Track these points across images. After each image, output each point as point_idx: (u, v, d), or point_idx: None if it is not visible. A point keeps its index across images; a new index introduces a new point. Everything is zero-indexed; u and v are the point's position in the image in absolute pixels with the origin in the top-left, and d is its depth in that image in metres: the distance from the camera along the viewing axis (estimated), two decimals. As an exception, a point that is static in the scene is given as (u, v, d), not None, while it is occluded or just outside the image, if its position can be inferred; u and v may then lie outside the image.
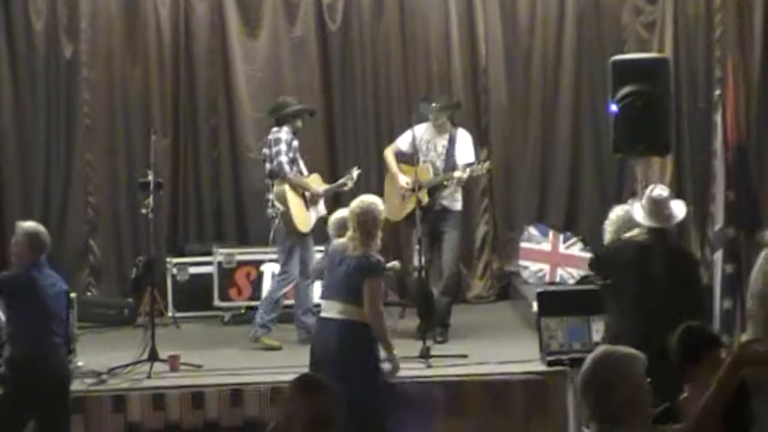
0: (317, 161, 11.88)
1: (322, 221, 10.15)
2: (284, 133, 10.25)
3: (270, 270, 11.24)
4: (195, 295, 11.57)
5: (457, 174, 10.11)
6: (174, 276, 11.62)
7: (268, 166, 10.28)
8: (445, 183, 10.18)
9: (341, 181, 10.52)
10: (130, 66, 12.35)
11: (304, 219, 10.24)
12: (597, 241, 8.84)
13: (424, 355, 9.19)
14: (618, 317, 7.70)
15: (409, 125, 10.40)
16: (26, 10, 12.20)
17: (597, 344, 8.35)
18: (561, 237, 11.89)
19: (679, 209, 7.83)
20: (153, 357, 9.27)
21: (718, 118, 10.26)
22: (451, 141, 10.34)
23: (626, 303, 7.59)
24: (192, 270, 11.64)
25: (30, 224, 8.06)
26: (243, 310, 11.35)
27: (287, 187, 10.18)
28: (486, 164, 10.44)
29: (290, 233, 10.18)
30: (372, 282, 7.60)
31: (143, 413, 8.78)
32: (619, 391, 4.30)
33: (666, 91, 9.98)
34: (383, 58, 12.52)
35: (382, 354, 7.74)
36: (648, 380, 4.41)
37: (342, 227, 8.16)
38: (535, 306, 9.34)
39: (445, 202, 10.28)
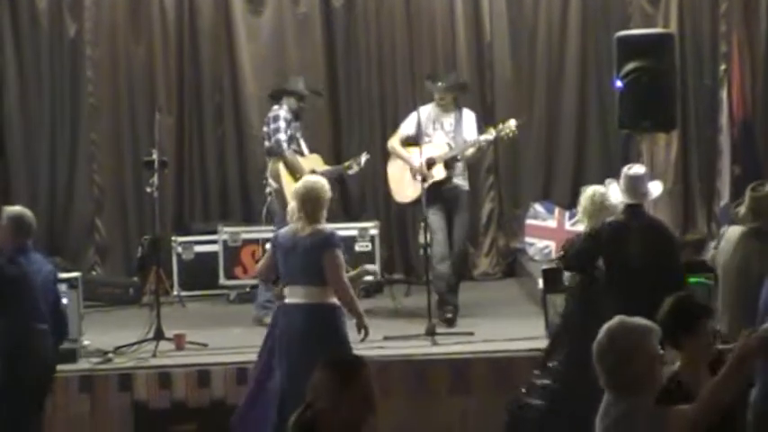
0: (322, 138, 11.88)
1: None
2: (283, 111, 10.21)
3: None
4: (201, 274, 11.57)
5: (484, 136, 9.99)
6: (179, 255, 11.63)
7: (267, 143, 10.26)
8: (459, 156, 10.04)
9: (345, 164, 10.46)
10: (134, 43, 12.32)
11: None
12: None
13: (430, 332, 9.18)
14: (593, 297, 7.73)
15: (414, 103, 10.35)
16: (30, -12, 12.19)
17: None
18: (567, 214, 11.86)
19: (655, 187, 7.95)
20: (159, 336, 9.28)
21: (724, 93, 10.27)
22: (458, 120, 10.26)
23: (605, 281, 7.66)
24: (198, 249, 11.64)
25: (15, 208, 7.79)
26: (248, 289, 11.33)
27: (281, 165, 10.13)
28: (513, 122, 10.09)
29: (283, 211, 10.14)
30: (331, 254, 7.44)
31: (149, 392, 8.79)
32: (634, 361, 4.40)
33: (672, 67, 9.94)
34: (388, 35, 12.48)
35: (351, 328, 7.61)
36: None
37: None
38: (541, 283, 9.34)
39: (458, 181, 10.12)
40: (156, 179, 9.75)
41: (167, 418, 8.75)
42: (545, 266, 9.81)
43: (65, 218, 12.29)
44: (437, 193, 9.85)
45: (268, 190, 10.24)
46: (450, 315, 9.85)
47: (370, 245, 11.32)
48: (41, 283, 7.55)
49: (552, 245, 11.79)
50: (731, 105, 10.09)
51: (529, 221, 12.01)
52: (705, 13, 12.05)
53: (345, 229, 11.37)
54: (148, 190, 9.86)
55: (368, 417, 4.18)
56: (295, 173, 10.06)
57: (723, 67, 10.95)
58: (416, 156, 9.87)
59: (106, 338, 9.41)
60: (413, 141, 10.05)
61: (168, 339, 9.29)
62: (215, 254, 11.51)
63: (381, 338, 8.89)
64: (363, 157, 10.43)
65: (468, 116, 10.32)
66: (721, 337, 6.86)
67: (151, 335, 9.28)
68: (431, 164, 9.86)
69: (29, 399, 7.48)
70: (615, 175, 11.10)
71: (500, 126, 10.08)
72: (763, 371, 6.19)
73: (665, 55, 9.87)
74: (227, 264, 11.44)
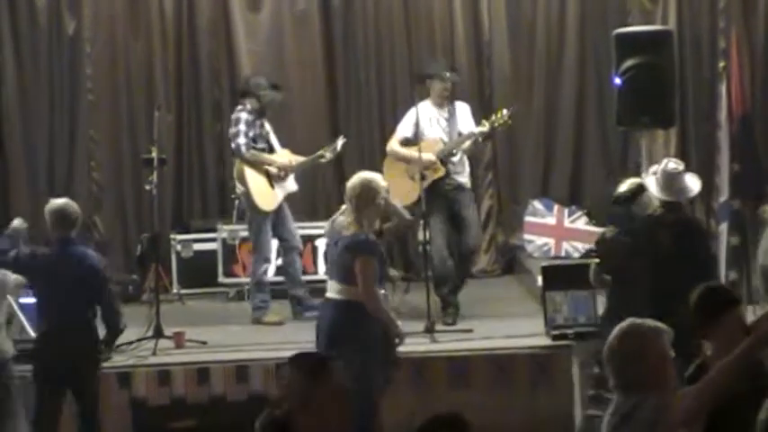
0: (320, 135, 11.87)
1: (296, 197, 10.24)
2: (244, 113, 10.21)
3: (273, 247, 11.26)
4: (200, 271, 11.56)
5: (479, 128, 9.97)
6: (178, 253, 11.62)
7: (232, 145, 10.30)
8: (454, 151, 10.03)
9: (318, 153, 10.37)
10: (133, 40, 12.29)
11: (267, 197, 10.16)
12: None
13: (429, 329, 9.18)
14: (625, 289, 7.75)
15: (412, 99, 10.35)
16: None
17: (602, 318, 8.41)
18: (566, 211, 11.87)
19: (694, 183, 7.97)
20: (158, 334, 9.29)
21: (723, 89, 10.24)
22: (451, 114, 10.24)
23: (634, 276, 7.66)
24: (197, 246, 11.62)
25: (59, 201, 8.07)
26: (247, 287, 11.34)
27: (245, 167, 10.15)
28: (506, 111, 10.02)
29: (253, 213, 10.19)
30: (363, 261, 7.31)
31: (148, 389, 8.81)
32: (644, 362, 4.42)
33: (670, 63, 9.94)
34: (386, 32, 12.47)
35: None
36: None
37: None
38: (540, 280, 9.34)
39: (461, 179, 10.09)
40: (155, 177, 9.77)
41: (166, 415, 8.77)
42: (544, 264, 9.82)
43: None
44: (437, 191, 9.83)
45: (236, 192, 10.34)
46: (450, 321, 9.84)
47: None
48: (81, 277, 7.75)
49: (551, 242, 11.79)
50: (730, 102, 10.06)
51: (528, 218, 12.00)
52: (704, 9, 12.03)
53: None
54: (147, 188, 9.87)
55: (340, 413, 4.17)
56: (260, 168, 10.14)
57: (722, 63, 10.91)
58: (425, 154, 9.80)
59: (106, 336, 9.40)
60: (412, 143, 10.02)
61: (168, 337, 9.30)
62: (214, 251, 11.50)
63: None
64: (339, 142, 10.39)
65: (462, 108, 10.30)
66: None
67: (150, 333, 9.30)
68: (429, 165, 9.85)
69: (48, 388, 7.81)
70: (613, 171, 11.15)
71: (493, 117, 10.07)
72: None
73: (664, 51, 9.87)
74: (227, 261, 11.43)
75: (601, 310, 8.73)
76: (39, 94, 12.22)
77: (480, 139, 10.12)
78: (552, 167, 12.52)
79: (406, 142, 10.16)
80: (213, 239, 11.53)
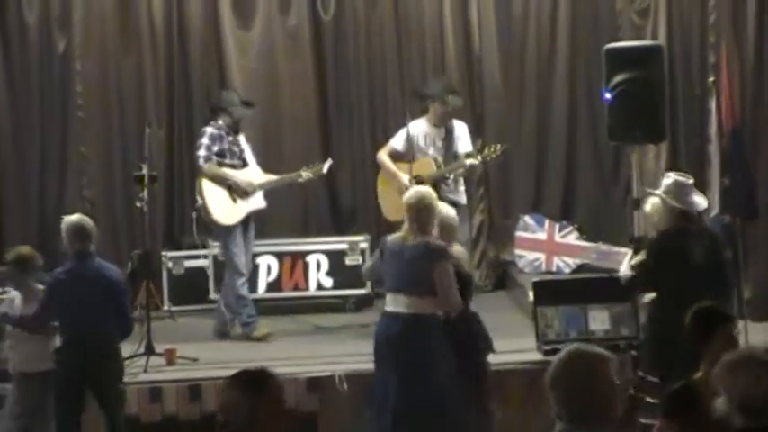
0: (311, 150, 11.88)
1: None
2: (211, 128, 10.26)
3: (265, 263, 11.25)
4: (191, 288, 11.56)
5: (469, 161, 10.01)
6: (169, 270, 11.62)
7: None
8: (447, 174, 10.07)
9: (296, 172, 10.32)
10: (124, 58, 12.29)
11: (227, 211, 10.18)
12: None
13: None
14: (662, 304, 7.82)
15: (404, 115, 10.36)
16: (19, 3, 12.14)
17: (593, 332, 8.41)
18: (557, 226, 11.88)
19: (701, 198, 8.10)
20: (149, 351, 9.27)
21: (713, 104, 10.25)
22: (449, 133, 10.27)
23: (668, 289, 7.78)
24: (188, 263, 11.64)
25: (74, 216, 8.33)
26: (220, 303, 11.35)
27: (204, 179, 10.18)
28: (499, 146, 10.22)
29: (218, 228, 10.25)
30: (442, 266, 7.40)
31: (140, 406, 8.80)
32: (587, 391, 4.13)
33: (660, 78, 9.95)
34: (377, 48, 12.49)
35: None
36: None
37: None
38: (531, 295, 9.34)
39: (452, 197, 10.11)
40: (146, 194, 9.77)
41: (158, 432, 8.77)
42: (535, 279, 9.82)
43: (55, 231, 12.17)
44: None
45: (196, 205, 10.43)
46: None
47: (360, 258, 11.29)
48: (101, 288, 7.96)
49: (543, 257, 11.80)
50: (720, 116, 10.08)
51: (519, 234, 12.01)
52: (694, 24, 12.05)
53: (335, 243, 11.40)
54: (138, 205, 9.88)
55: (286, 425, 4.16)
56: (220, 183, 10.15)
57: (712, 78, 10.95)
58: (406, 173, 9.93)
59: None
60: (401, 157, 10.07)
61: (159, 354, 9.29)
62: (205, 268, 11.51)
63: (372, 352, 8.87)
64: (326, 165, 10.37)
65: (461, 127, 10.35)
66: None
67: (142, 350, 9.29)
68: (419, 183, 9.84)
69: (68, 399, 8.00)
70: (605, 187, 11.14)
71: (486, 152, 10.14)
72: None
73: (654, 66, 9.87)
74: (218, 278, 11.39)
75: (592, 325, 8.73)
76: (29, 111, 12.21)
77: (469, 170, 10.18)
78: (543, 183, 12.53)
79: (396, 155, 10.20)
80: (204, 256, 11.53)
